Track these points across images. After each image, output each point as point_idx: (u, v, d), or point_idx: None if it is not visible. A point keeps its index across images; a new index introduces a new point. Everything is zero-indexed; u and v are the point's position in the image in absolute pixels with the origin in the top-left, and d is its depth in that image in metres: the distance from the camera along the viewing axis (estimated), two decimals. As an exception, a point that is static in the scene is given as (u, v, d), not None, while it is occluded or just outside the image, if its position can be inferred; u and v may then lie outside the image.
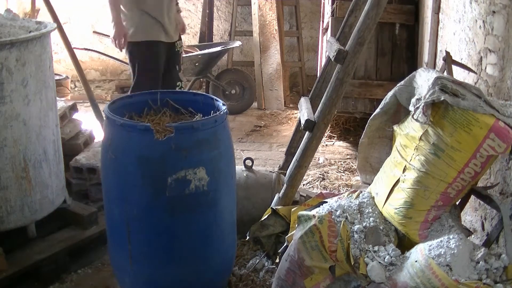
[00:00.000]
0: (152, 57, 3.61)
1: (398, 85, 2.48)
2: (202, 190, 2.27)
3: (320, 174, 4.09)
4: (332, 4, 4.55)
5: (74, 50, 4.40)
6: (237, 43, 5.62)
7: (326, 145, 4.74)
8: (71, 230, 2.96)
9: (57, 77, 5.00)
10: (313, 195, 2.86)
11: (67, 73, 5.90)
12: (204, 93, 2.66)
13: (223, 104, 2.46)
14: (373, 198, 2.39)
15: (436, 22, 3.74)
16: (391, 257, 2.12)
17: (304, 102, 3.17)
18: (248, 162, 3.28)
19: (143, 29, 3.56)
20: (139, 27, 3.55)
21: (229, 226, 2.50)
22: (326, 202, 2.39)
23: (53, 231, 2.94)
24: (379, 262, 2.11)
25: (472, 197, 2.40)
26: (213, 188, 2.30)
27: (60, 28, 4.12)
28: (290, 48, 6.53)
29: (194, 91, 3.17)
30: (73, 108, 3.84)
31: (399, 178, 2.23)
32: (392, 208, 2.24)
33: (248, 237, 2.82)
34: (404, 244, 2.27)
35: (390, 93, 2.48)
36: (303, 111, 2.99)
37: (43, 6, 4.32)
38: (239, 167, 3.23)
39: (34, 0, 5.71)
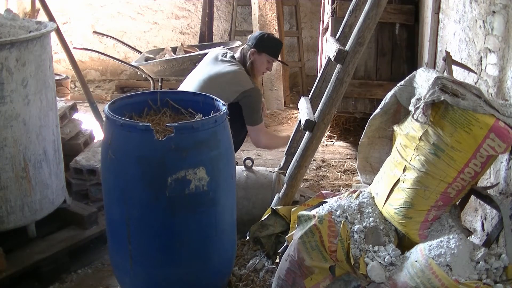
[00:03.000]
0: None
1: (398, 85, 2.48)
2: (202, 190, 2.27)
3: (320, 174, 4.09)
4: (332, 4, 4.54)
5: (74, 50, 4.39)
6: (237, 43, 5.61)
7: (326, 145, 4.74)
8: (71, 230, 2.96)
9: (57, 77, 5.00)
10: (313, 195, 2.86)
11: (67, 73, 5.89)
12: (204, 93, 2.66)
13: (223, 104, 2.45)
14: (373, 198, 2.39)
15: (436, 22, 3.73)
16: (391, 257, 2.12)
17: (304, 102, 3.17)
18: (248, 162, 3.28)
19: None
20: None
21: (229, 226, 2.50)
22: (326, 202, 2.39)
23: (53, 231, 2.94)
24: (379, 262, 2.11)
25: (472, 197, 2.40)
26: (213, 188, 2.30)
27: (57, 31, 4.11)
28: (290, 48, 6.53)
29: (194, 91, 3.17)
30: (73, 108, 3.84)
31: (399, 178, 2.23)
32: (392, 208, 2.24)
33: (248, 237, 2.82)
34: (404, 244, 2.27)
35: (390, 93, 2.48)
36: (303, 111, 2.99)
37: (43, 6, 4.32)
38: (239, 167, 3.23)
39: (34, 0, 5.71)
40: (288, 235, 2.53)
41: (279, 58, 4.03)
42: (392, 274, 2.07)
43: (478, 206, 2.70)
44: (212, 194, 2.31)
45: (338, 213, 2.26)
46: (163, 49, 5.75)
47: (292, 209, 2.69)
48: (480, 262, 1.97)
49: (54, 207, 2.91)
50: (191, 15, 6.71)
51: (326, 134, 4.80)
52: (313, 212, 2.29)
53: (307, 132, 2.81)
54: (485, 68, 2.64)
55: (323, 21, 5.14)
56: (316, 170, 4.18)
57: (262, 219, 2.81)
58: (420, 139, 2.14)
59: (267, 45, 3.69)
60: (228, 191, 2.43)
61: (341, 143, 4.81)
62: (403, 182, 2.21)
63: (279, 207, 2.82)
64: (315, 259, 2.18)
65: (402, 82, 2.46)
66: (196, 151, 2.24)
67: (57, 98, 3.14)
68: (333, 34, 3.40)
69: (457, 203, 2.30)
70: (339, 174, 4.11)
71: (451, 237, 2.04)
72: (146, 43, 6.76)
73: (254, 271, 2.77)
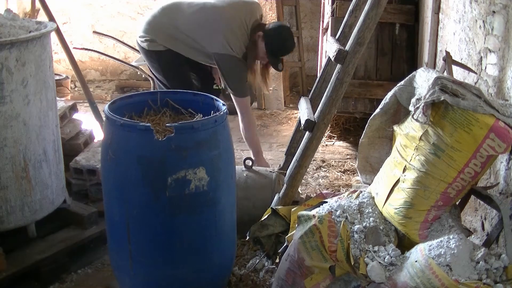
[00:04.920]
0: None
1: (398, 85, 2.48)
2: (202, 190, 2.27)
3: (320, 174, 4.09)
4: (332, 4, 4.55)
5: (74, 50, 4.38)
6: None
7: (326, 145, 4.73)
8: (71, 230, 2.96)
9: (57, 77, 4.99)
10: (313, 195, 2.86)
11: (67, 73, 5.89)
12: (204, 93, 2.66)
13: (223, 104, 2.46)
14: (373, 198, 2.39)
15: (436, 22, 3.74)
16: (391, 257, 2.12)
17: (304, 102, 3.17)
18: (248, 162, 3.28)
19: None
20: None
21: (229, 226, 2.50)
22: (326, 202, 2.40)
23: (53, 231, 2.94)
24: (379, 262, 2.11)
25: (472, 197, 2.40)
26: (213, 188, 2.30)
27: (57, 31, 4.11)
28: (290, 48, 6.51)
29: (194, 91, 3.16)
30: (73, 108, 3.84)
31: (399, 178, 2.23)
32: (392, 208, 2.24)
33: (248, 237, 2.82)
34: (404, 244, 2.27)
35: (390, 93, 2.49)
36: (303, 111, 2.99)
37: (43, 6, 4.31)
38: (239, 167, 3.23)
39: (34, 0, 5.70)
40: (288, 235, 2.53)
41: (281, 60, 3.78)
42: (392, 274, 2.07)
43: (478, 206, 2.70)
44: (212, 194, 2.31)
45: (338, 213, 2.26)
46: (163, 49, 5.73)
47: (292, 209, 2.69)
48: (480, 262, 1.97)
49: (54, 207, 2.91)
50: (191, 15, 6.70)
51: (326, 134, 4.80)
52: (313, 212, 2.30)
53: (307, 132, 2.81)
54: (485, 68, 2.64)
55: (323, 21, 5.14)
56: (316, 170, 4.19)
57: (262, 219, 2.81)
58: (420, 139, 2.14)
59: (272, 41, 3.57)
60: (228, 191, 2.43)
61: (341, 143, 4.80)
62: (403, 182, 2.21)
63: (279, 207, 2.82)
64: (315, 259, 2.18)
65: (402, 82, 2.47)
66: (196, 151, 2.24)
67: (57, 98, 3.14)
68: (333, 34, 3.41)
69: (457, 203, 2.30)
70: (339, 174, 4.11)
71: (451, 237, 2.04)
72: (146, 43, 6.75)
73: (254, 271, 2.77)
